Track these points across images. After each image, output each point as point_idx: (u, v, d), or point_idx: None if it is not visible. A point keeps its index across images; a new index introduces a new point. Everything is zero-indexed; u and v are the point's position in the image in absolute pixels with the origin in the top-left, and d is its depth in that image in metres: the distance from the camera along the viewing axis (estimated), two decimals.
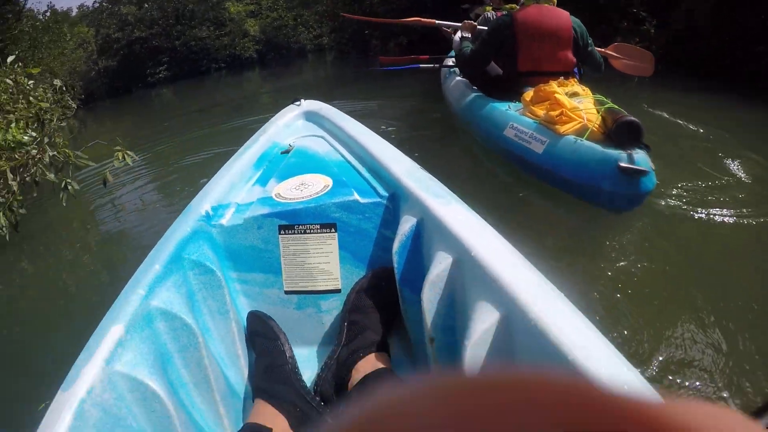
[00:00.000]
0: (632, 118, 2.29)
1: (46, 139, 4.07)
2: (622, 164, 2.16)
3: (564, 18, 3.31)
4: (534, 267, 0.92)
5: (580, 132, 2.46)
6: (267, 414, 1.07)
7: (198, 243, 1.25)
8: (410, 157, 1.45)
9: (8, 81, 4.50)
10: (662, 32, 7.21)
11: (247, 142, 1.78)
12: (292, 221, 1.32)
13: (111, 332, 0.94)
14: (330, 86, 10.08)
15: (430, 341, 1.02)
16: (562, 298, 0.81)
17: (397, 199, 1.31)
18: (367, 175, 1.44)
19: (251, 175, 1.56)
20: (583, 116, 2.51)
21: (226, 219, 1.34)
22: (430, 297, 1.01)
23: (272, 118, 1.99)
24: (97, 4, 35.07)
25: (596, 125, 2.43)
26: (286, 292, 1.33)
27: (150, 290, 1.05)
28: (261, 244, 1.33)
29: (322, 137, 1.77)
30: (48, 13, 22.68)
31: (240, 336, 1.25)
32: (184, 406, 1.00)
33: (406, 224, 1.18)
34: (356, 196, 1.32)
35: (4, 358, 2.35)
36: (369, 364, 1.14)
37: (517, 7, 3.86)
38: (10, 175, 3.73)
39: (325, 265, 1.32)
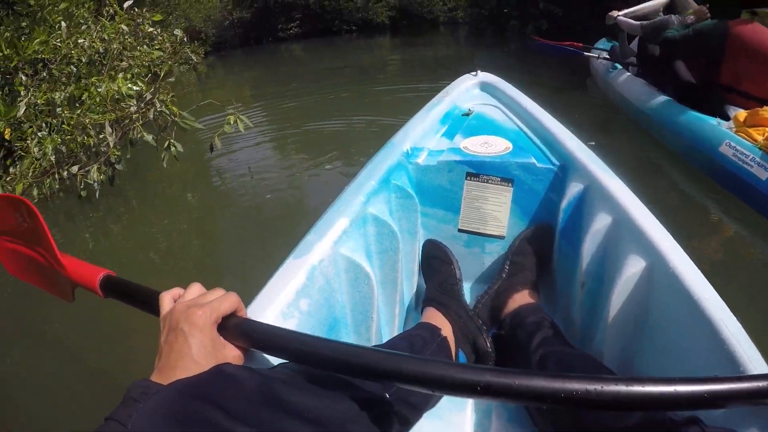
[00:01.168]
0: None
1: (149, 96, 3.85)
2: None
3: None
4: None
5: None
6: (437, 318, 1.30)
7: (400, 173, 1.54)
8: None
9: (123, 27, 4.26)
10: None
11: (431, 101, 2.06)
12: (478, 170, 1.58)
13: (338, 222, 1.22)
14: (466, 62, 10.00)
15: (581, 285, 1.24)
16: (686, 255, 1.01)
17: (566, 168, 1.52)
18: (541, 145, 1.67)
19: (438, 128, 1.84)
20: None
21: (421, 159, 1.62)
22: (589, 247, 1.24)
23: (452, 84, 2.25)
24: None
25: None
26: (459, 230, 1.61)
27: (367, 199, 1.34)
28: (447, 185, 1.61)
29: (497, 107, 2.01)
30: None
31: (417, 257, 1.55)
32: (378, 298, 1.27)
33: (574, 188, 1.40)
34: (533, 160, 1.56)
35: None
36: (524, 297, 1.36)
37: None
38: (108, 129, 3.60)
39: (497, 213, 1.58)
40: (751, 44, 3.19)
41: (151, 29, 4.45)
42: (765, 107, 3.00)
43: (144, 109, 3.74)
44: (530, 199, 1.57)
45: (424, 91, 6.20)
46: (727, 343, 0.79)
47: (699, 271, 0.97)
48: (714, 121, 3.28)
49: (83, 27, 4.31)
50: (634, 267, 1.05)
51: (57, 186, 3.57)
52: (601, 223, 1.24)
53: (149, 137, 3.62)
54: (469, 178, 1.58)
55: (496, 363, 1.27)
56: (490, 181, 1.57)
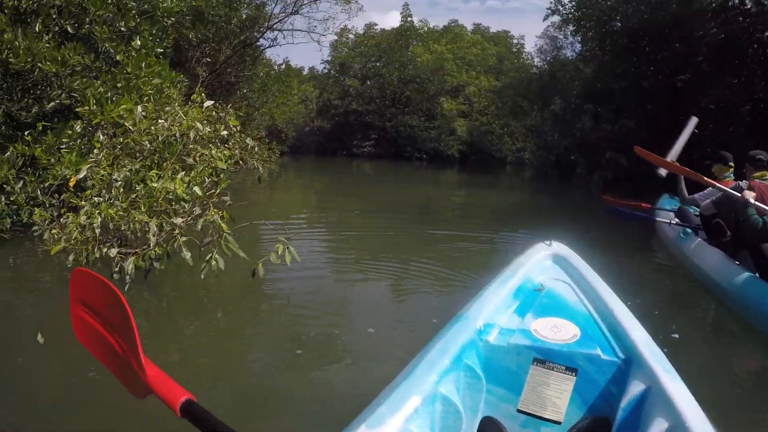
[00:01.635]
0: None
1: (198, 211, 3.64)
2: None
3: None
4: None
5: None
6: None
7: (471, 351, 1.66)
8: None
9: (198, 125, 4.06)
10: None
11: (506, 271, 2.20)
12: (545, 357, 1.67)
13: (411, 400, 1.32)
14: (534, 210, 10.05)
15: None
16: None
17: (630, 363, 1.59)
18: (608, 333, 1.75)
19: (510, 303, 1.96)
20: None
21: (492, 337, 1.73)
22: None
23: (527, 253, 2.39)
24: (326, 70, 39.67)
25: None
26: (518, 410, 1.66)
27: (439, 378, 1.44)
28: (514, 367, 1.69)
29: (568, 284, 2.13)
30: (283, 66, 25.82)
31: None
32: None
33: (636, 387, 1.46)
34: (598, 351, 1.64)
35: None
36: None
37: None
38: (153, 228, 3.45)
39: (557, 399, 1.63)
40: None
41: (225, 132, 4.32)
42: None
43: (191, 221, 3.60)
44: (591, 389, 1.63)
45: (483, 242, 6.38)
46: None
47: None
48: None
49: (167, 108, 4.38)
50: None
51: (95, 256, 3.42)
52: (659, 427, 1.27)
53: (187, 255, 3.39)
54: (535, 363, 1.67)
55: None
56: (554, 369, 1.65)
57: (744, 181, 4.24)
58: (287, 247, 3.50)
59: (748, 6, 13.62)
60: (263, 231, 5.20)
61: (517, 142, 27.89)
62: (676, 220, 5.52)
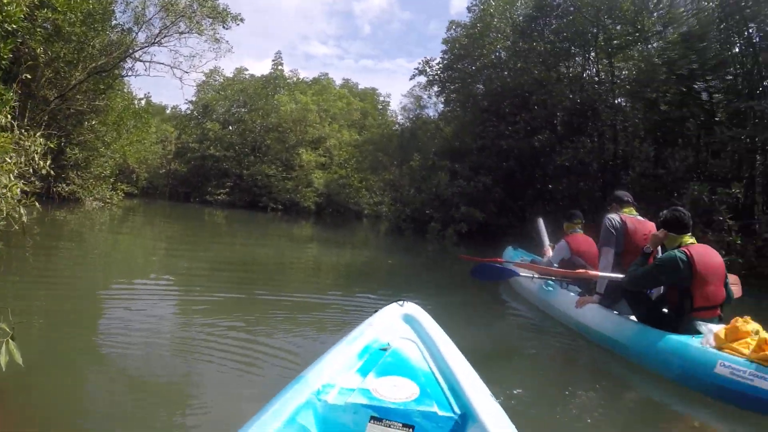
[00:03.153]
0: None
1: None
2: None
3: (719, 256, 4.02)
4: None
5: None
6: None
7: (307, 412, 1.63)
8: None
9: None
10: (749, 242, 8.37)
11: (355, 330, 2.23)
12: (382, 416, 1.67)
13: None
14: (389, 267, 10.04)
15: None
16: None
17: (466, 419, 1.64)
18: (447, 390, 1.80)
19: (354, 363, 1.95)
20: None
21: (331, 397, 1.71)
22: None
23: (378, 312, 2.44)
24: (189, 111, 38.26)
25: None
26: None
27: None
28: (352, 425, 1.67)
29: (415, 342, 2.19)
30: (143, 101, 24.65)
31: None
32: None
33: None
34: (435, 408, 1.68)
35: None
36: None
37: (635, 213, 4.93)
38: None
39: None
40: (707, 264, 3.86)
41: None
42: (738, 318, 3.48)
43: None
44: None
45: (337, 306, 5.82)
46: None
47: None
48: (691, 339, 3.67)
49: None
50: None
51: None
52: None
53: None
54: (372, 421, 1.66)
55: None
56: (392, 426, 1.65)
57: (614, 214, 4.91)
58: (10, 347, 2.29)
59: (602, 76, 15.59)
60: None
61: (374, 196, 28.52)
62: (537, 274, 5.87)
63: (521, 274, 5.76)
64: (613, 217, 4.88)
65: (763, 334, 3.28)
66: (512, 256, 7.67)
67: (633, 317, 4.44)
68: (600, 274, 4.77)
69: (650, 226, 4.85)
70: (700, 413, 3.45)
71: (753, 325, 3.43)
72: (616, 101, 15.04)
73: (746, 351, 3.27)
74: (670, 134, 11.86)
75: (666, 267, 3.92)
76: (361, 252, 12.66)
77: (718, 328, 3.57)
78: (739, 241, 8.41)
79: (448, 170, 16.95)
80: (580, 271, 4.95)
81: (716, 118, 11.45)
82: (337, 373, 1.84)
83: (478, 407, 1.61)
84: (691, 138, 11.52)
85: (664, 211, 4.22)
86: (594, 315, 4.77)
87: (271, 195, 26.59)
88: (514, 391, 3.40)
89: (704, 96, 11.88)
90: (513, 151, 15.91)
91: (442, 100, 21.23)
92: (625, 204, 5.06)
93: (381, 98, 39.43)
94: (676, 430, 3.43)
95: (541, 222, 6.89)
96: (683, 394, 3.58)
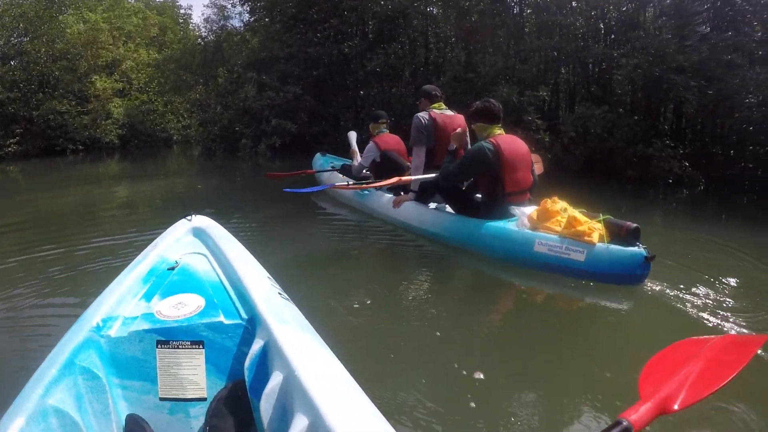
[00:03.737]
0: (636, 225, 3.55)
1: None
2: (648, 255, 3.41)
3: (525, 145, 4.42)
4: (347, 376, 1.30)
5: (600, 239, 3.60)
6: None
7: (88, 351, 1.55)
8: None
9: None
10: (555, 140, 9.34)
11: (140, 255, 2.11)
12: (168, 337, 1.66)
13: (14, 423, 1.19)
14: (206, 192, 9.54)
15: None
16: (370, 408, 1.19)
17: (254, 321, 1.68)
18: (234, 297, 1.82)
19: (139, 289, 1.88)
20: (596, 227, 3.65)
21: (114, 330, 1.65)
22: (266, 407, 1.36)
23: (164, 232, 2.33)
24: None
25: (603, 232, 3.63)
26: (161, 399, 1.65)
27: (46, 390, 1.32)
28: (141, 355, 1.64)
29: (204, 255, 2.14)
30: None
31: None
32: None
33: (256, 345, 1.56)
34: (222, 318, 1.70)
35: None
36: None
37: (444, 108, 5.26)
38: None
39: (193, 376, 1.66)
40: (513, 153, 4.22)
41: None
42: (546, 200, 3.96)
43: None
44: (223, 357, 1.69)
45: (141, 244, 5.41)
46: None
47: (371, 413, 1.14)
48: (507, 223, 4.16)
49: None
50: (298, 426, 1.18)
51: None
52: (275, 380, 1.37)
53: None
54: (159, 346, 1.65)
55: None
56: (180, 347, 1.66)
57: (423, 111, 5.15)
58: None
59: None
60: None
61: (182, 120, 26.75)
62: (352, 181, 6.04)
63: (336, 184, 5.88)
64: (423, 116, 5.10)
65: (571, 212, 3.82)
66: (322, 163, 7.88)
67: (449, 210, 4.85)
68: (413, 177, 5.03)
69: (460, 120, 5.17)
70: (524, 281, 3.96)
71: (561, 204, 3.92)
72: (428, 9, 15.17)
73: (558, 228, 3.80)
74: (481, 42, 12.42)
75: (475, 158, 4.24)
76: (174, 180, 11.95)
77: (530, 210, 4.06)
78: (547, 139, 9.33)
79: (255, 82, 16.20)
80: (394, 179, 5.11)
81: (525, 30, 12.25)
82: (118, 303, 1.76)
83: (265, 309, 1.64)
84: (501, 46, 12.17)
85: (477, 102, 4.47)
86: (413, 212, 5.14)
87: (68, 135, 23.17)
88: (348, 294, 3.64)
89: (515, 9, 12.75)
90: (322, 58, 15.57)
91: (248, 9, 20.01)
92: (434, 99, 5.29)
93: (182, 11, 35.89)
94: (507, 296, 3.92)
95: (351, 133, 7.04)
96: (510, 269, 4.09)
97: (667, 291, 3.54)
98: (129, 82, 27.21)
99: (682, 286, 3.57)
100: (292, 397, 1.31)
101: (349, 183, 5.80)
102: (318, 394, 1.20)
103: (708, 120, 9.67)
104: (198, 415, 1.65)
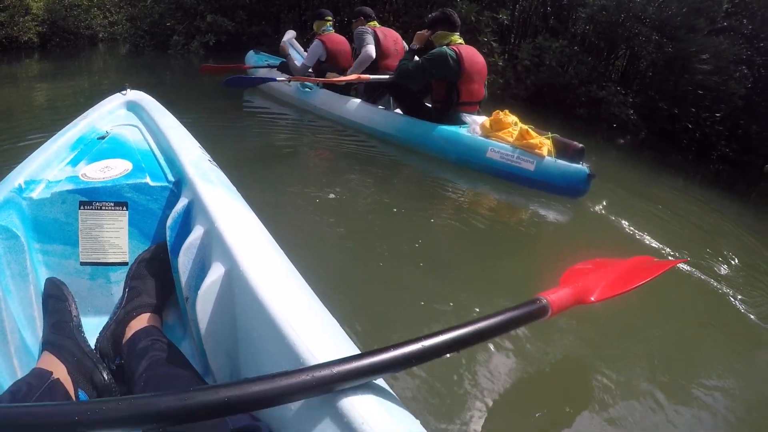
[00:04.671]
0: (582, 145, 3.93)
1: None
2: (590, 173, 3.83)
3: (483, 58, 4.63)
4: (266, 233, 1.29)
5: (548, 153, 3.96)
6: (50, 361, 1.29)
7: (8, 211, 1.48)
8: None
9: None
10: (508, 65, 9.46)
11: (69, 124, 2.01)
12: (91, 198, 1.61)
13: None
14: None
15: (186, 300, 1.35)
16: (281, 257, 1.18)
17: (180, 184, 1.66)
18: (162, 161, 1.79)
19: (66, 155, 1.81)
20: (545, 143, 3.99)
21: (36, 193, 1.58)
22: (184, 261, 1.34)
23: (97, 104, 2.22)
24: None
25: (551, 147, 4.00)
26: (82, 263, 1.61)
27: None
28: (63, 217, 1.59)
29: (137, 127, 2.07)
30: None
31: (38, 300, 1.49)
32: None
33: (180, 204, 1.53)
34: (147, 180, 1.66)
35: None
36: (141, 322, 1.44)
37: (376, 24, 5.60)
38: None
39: (116, 239, 1.63)
40: (473, 63, 4.44)
41: None
42: (498, 111, 4.25)
43: None
44: (147, 219, 1.66)
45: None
46: (288, 340, 0.90)
47: (282, 263, 1.13)
48: (460, 129, 4.38)
49: None
50: (215, 274, 1.17)
51: None
52: (196, 233, 1.35)
53: None
54: (82, 207, 1.60)
55: (121, 395, 1.31)
56: (103, 208, 1.62)
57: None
58: None
59: None
60: None
61: (109, 15, 25.20)
62: (284, 77, 5.92)
63: (278, 79, 5.80)
64: (364, 28, 5.46)
65: (522, 126, 4.09)
66: (256, 60, 7.68)
67: (398, 111, 5.05)
68: (371, 77, 5.09)
69: (396, 34, 5.61)
70: (477, 184, 4.24)
71: (512, 118, 4.19)
72: None
73: (510, 139, 4.07)
74: None
75: (437, 61, 4.36)
76: (99, 80, 11.35)
77: (482, 119, 4.30)
78: (500, 63, 9.29)
79: None
80: (354, 76, 5.18)
81: None
82: (42, 168, 1.70)
83: (192, 171, 1.60)
84: None
85: (434, 12, 4.64)
86: (363, 111, 5.21)
87: None
88: (284, 188, 3.63)
89: None
90: None
91: None
92: (370, 18, 5.67)
93: None
94: (463, 199, 4.07)
95: (290, 31, 6.96)
96: (462, 171, 4.32)
97: (602, 212, 4.00)
98: None
99: (615, 210, 4.03)
100: (210, 249, 1.31)
101: (290, 80, 5.75)
102: (235, 244, 1.20)
103: (658, 75, 9.90)
104: (119, 280, 1.63)
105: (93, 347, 1.40)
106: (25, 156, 1.69)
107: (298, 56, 6.53)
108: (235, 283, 1.14)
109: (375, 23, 5.66)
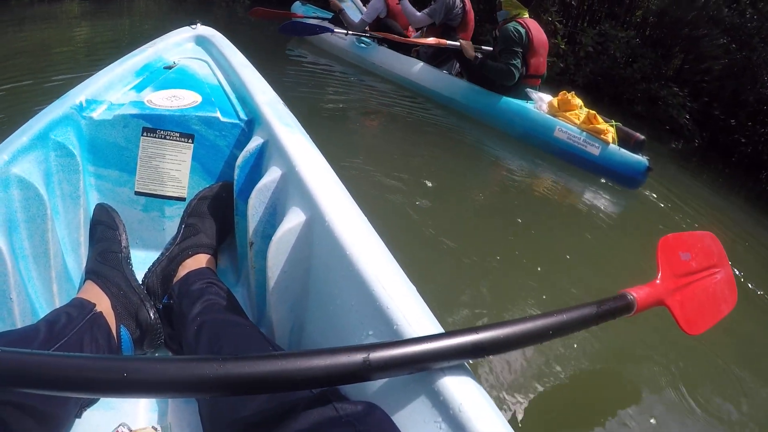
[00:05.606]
0: (644, 137, 4.12)
1: None
2: (649, 165, 3.97)
3: (545, 34, 4.71)
4: (341, 182, 1.21)
5: (612, 140, 4.10)
6: (93, 292, 1.25)
7: (66, 128, 1.41)
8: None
9: None
10: (571, 49, 9.23)
11: (135, 50, 1.93)
12: (156, 125, 1.54)
13: None
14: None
15: (250, 245, 1.28)
16: (360, 212, 1.10)
17: (252, 123, 1.59)
18: (233, 98, 1.71)
19: (131, 80, 1.74)
20: (610, 129, 4.12)
21: (97, 113, 1.51)
22: (255, 204, 1.27)
23: (164, 35, 2.15)
24: None
25: (614, 135, 4.12)
26: (136, 193, 1.56)
27: (13, 158, 1.19)
28: (123, 142, 1.53)
29: (206, 62, 2.00)
30: None
31: (85, 225, 1.44)
32: (21, 275, 1.14)
33: (253, 143, 1.45)
34: (218, 114, 1.59)
35: None
36: (195, 262, 1.38)
37: None
38: None
39: (176, 172, 1.57)
40: (538, 37, 4.52)
41: None
42: (564, 92, 4.36)
43: None
44: (213, 156, 1.59)
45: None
46: (379, 301, 0.83)
47: (364, 222, 1.04)
48: (527, 103, 4.46)
49: None
50: (293, 221, 1.10)
51: None
52: (271, 176, 1.27)
53: None
54: (145, 134, 1.54)
55: (166, 336, 1.27)
56: (168, 137, 1.55)
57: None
58: None
59: None
60: None
61: None
62: (348, 31, 5.80)
63: (335, 30, 5.68)
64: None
65: (588, 110, 4.21)
66: (304, 11, 7.48)
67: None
68: (449, 42, 5.00)
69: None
70: (542, 165, 4.30)
71: (578, 100, 4.27)
72: None
73: (577, 121, 4.15)
74: None
75: (516, 41, 4.41)
76: (140, 23, 11.27)
77: (549, 98, 4.39)
78: (562, 46, 9.01)
79: None
80: (431, 40, 5.10)
81: None
82: (105, 89, 1.62)
83: (268, 111, 1.52)
84: None
85: None
86: (426, 73, 5.20)
87: None
88: (352, 156, 3.56)
89: None
90: None
91: None
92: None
93: None
94: (527, 180, 4.13)
95: None
96: (527, 149, 4.39)
97: (657, 205, 4.17)
98: None
99: (667, 208, 4.18)
100: (287, 194, 1.23)
101: (347, 33, 5.66)
102: (318, 192, 1.11)
103: (719, 81, 9.37)
104: (173, 215, 1.58)
105: (140, 282, 1.35)
106: (66, 90, 1.59)
107: (351, 11, 6.41)
108: (315, 234, 1.07)
109: None
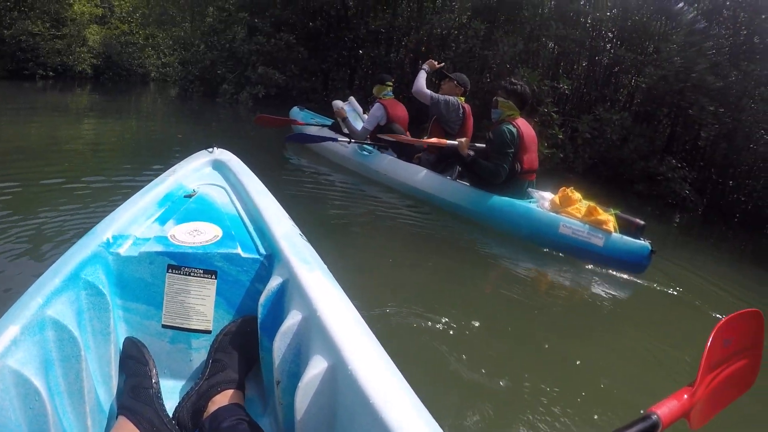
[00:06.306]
0: (644, 222, 4.30)
1: None
2: (652, 248, 4.04)
3: (533, 129, 4.93)
4: (365, 324, 1.28)
5: (614, 229, 4.20)
6: (127, 429, 1.31)
7: (95, 266, 1.53)
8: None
9: None
10: (567, 138, 9.40)
11: (157, 179, 2.09)
12: (180, 263, 1.65)
13: (8, 331, 1.17)
14: (174, 141, 8.82)
15: (277, 383, 1.35)
16: (381, 352, 1.18)
17: (272, 258, 1.69)
18: (252, 231, 1.83)
19: (153, 212, 1.87)
20: (610, 219, 4.24)
21: (124, 249, 1.64)
22: (280, 345, 1.35)
23: (183, 160, 2.32)
24: None
25: (615, 223, 4.24)
26: (164, 326, 1.65)
27: (47, 300, 1.29)
28: (149, 278, 1.64)
29: (223, 188, 2.14)
30: None
31: (116, 359, 1.52)
32: (57, 411, 1.20)
33: (274, 282, 1.55)
34: (239, 250, 1.70)
35: None
36: (224, 398, 1.46)
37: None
38: None
39: (201, 306, 1.67)
40: (528, 135, 4.73)
41: None
42: (564, 188, 4.52)
43: None
44: (236, 290, 1.69)
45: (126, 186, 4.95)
46: None
47: (387, 364, 1.12)
48: (526, 203, 4.59)
49: None
50: (318, 367, 1.18)
51: None
52: (294, 318, 1.37)
53: None
54: (170, 270, 1.65)
55: None
56: (192, 274, 1.66)
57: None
58: None
59: None
60: None
61: (163, 56, 25.99)
62: (350, 139, 6.16)
63: (339, 139, 6.03)
64: (451, 99, 5.51)
65: (588, 202, 4.38)
66: (302, 117, 7.94)
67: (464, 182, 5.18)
68: (448, 142, 5.20)
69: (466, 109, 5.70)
70: (549, 264, 4.36)
71: (577, 194, 4.44)
72: None
73: (579, 215, 4.30)
74: (500, 17, 12.15)
75: (508, 142, 4.60)
76: (146, 123, 11.48)
77: (550, 195, 4.56)
78: (560, 136, 9.17)
79: (246, 25, 15.63)
80: (433, 140, 5.31)
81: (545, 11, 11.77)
82: (130, 223, 1.75)
83: (286, 247, 1.63)
84: (525, 26, 11.45)
85: (520, 83, 4.88)
86: (428, 179, 5.34)
87: (39, 59, 21.66)
88: (352, 261, 3.65)
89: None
90: (323, 8, 15.24)
91: None
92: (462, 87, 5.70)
93: None
94: (533, 277, 4.15)
95: (352, 98, 7.10)
96: (532, 249, 4.47)
97: (662, 288, 4.15)
98: (111, 9, 25.98)
99: (674, 287, 4.16)
100: (310, 338, 1.31)
101: (350, 141, 6.00)
102: (340, 338, 1.19)
103: (714, 146, 9.62)
104: (200, 347, 1.66)
105: (171, 416, 1.42)
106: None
107: (351, 118, 6.67)
108: (339, 382, 1.14)
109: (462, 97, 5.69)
